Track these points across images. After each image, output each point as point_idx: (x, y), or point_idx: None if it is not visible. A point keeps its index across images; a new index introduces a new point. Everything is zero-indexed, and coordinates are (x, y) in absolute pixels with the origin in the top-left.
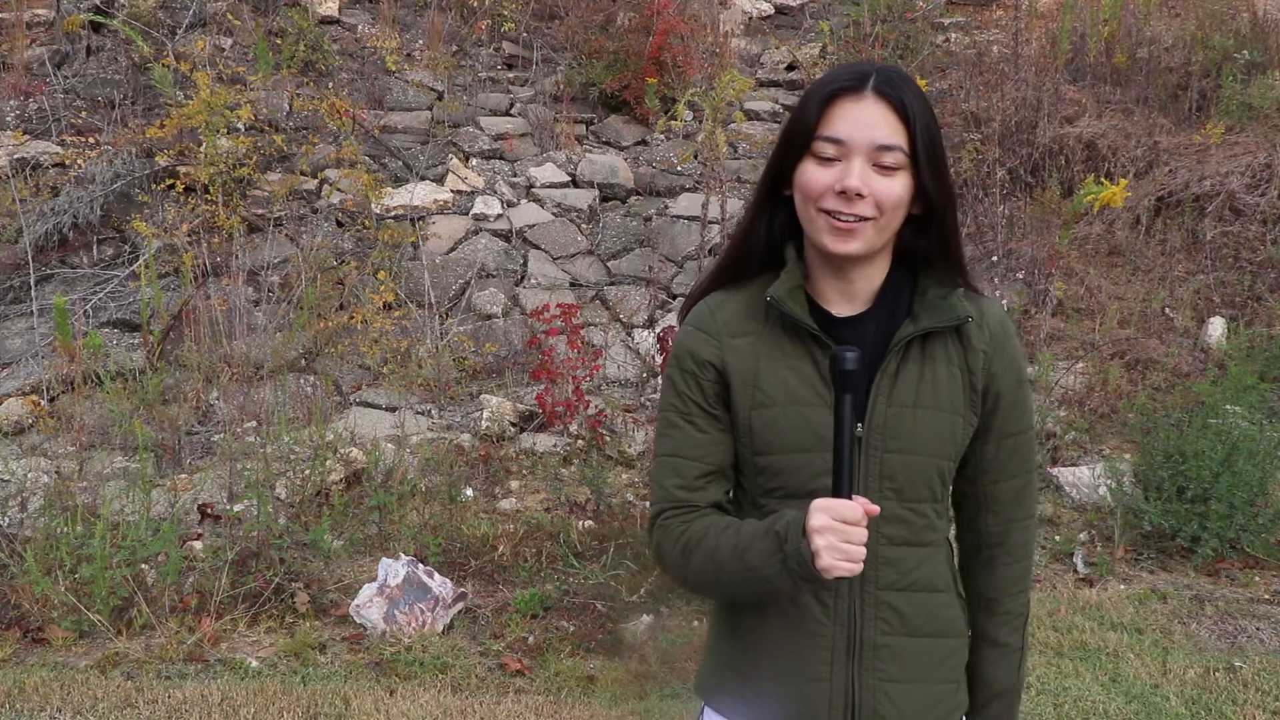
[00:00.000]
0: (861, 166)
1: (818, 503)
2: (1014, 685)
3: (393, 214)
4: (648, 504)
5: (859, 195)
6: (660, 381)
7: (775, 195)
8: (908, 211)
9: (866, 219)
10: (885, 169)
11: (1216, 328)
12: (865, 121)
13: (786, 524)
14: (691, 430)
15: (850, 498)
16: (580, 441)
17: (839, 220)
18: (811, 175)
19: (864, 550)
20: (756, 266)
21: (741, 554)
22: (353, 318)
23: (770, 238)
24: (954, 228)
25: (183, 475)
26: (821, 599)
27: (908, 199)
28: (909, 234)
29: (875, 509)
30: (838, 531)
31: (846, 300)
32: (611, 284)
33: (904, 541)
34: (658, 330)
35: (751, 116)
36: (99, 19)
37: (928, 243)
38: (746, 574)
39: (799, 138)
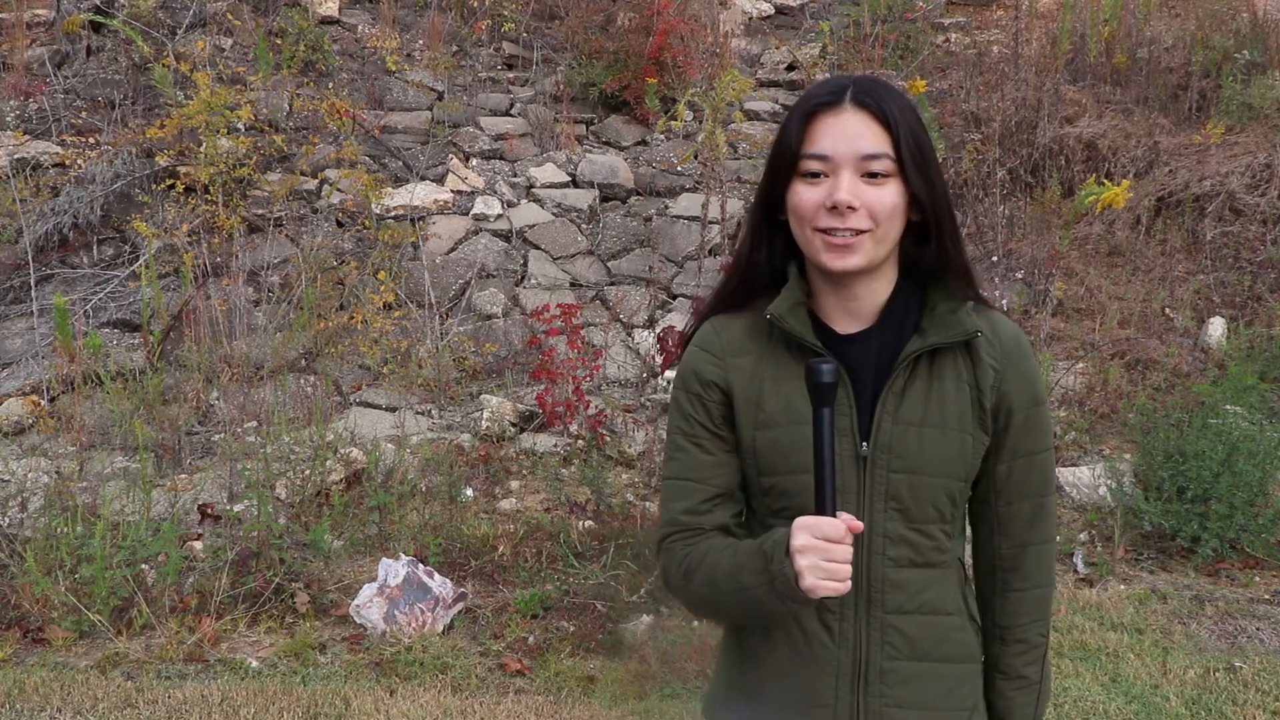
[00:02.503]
0: (850, 179)
1: (799, 521)
2: None
3: (393, 214)
4: (649, 507)
5: (851, 208)
6: (660, 382)
7: (771, 221)
8: (906, 219)
9: (862, 231)
10: (874, 178)
11: (1216, 328)
12: (847, 133)
13: (774, 543)
14: (698, 453)
15: (834, 515)
16: (580, 441)
17: (834, 237)
18: (802, 196)
19: (848, 569)
20: (761, 290)
21: (736, 574)
22: (353, 318)
23: (772, 263)
24: (953, 234)
25: (183, 475)
26: (827, 622)
27: (902, 206)
28: (911, 245)
29: (859, 525)
30: (820, 550)
31: (851, 317)
32: (611, 284)
33: (910, 563)
34: (658, 330)
35: (751, 116)
36: (99, 19)
37: (930, 253)
38: (740, 594)
39: (784, 160)
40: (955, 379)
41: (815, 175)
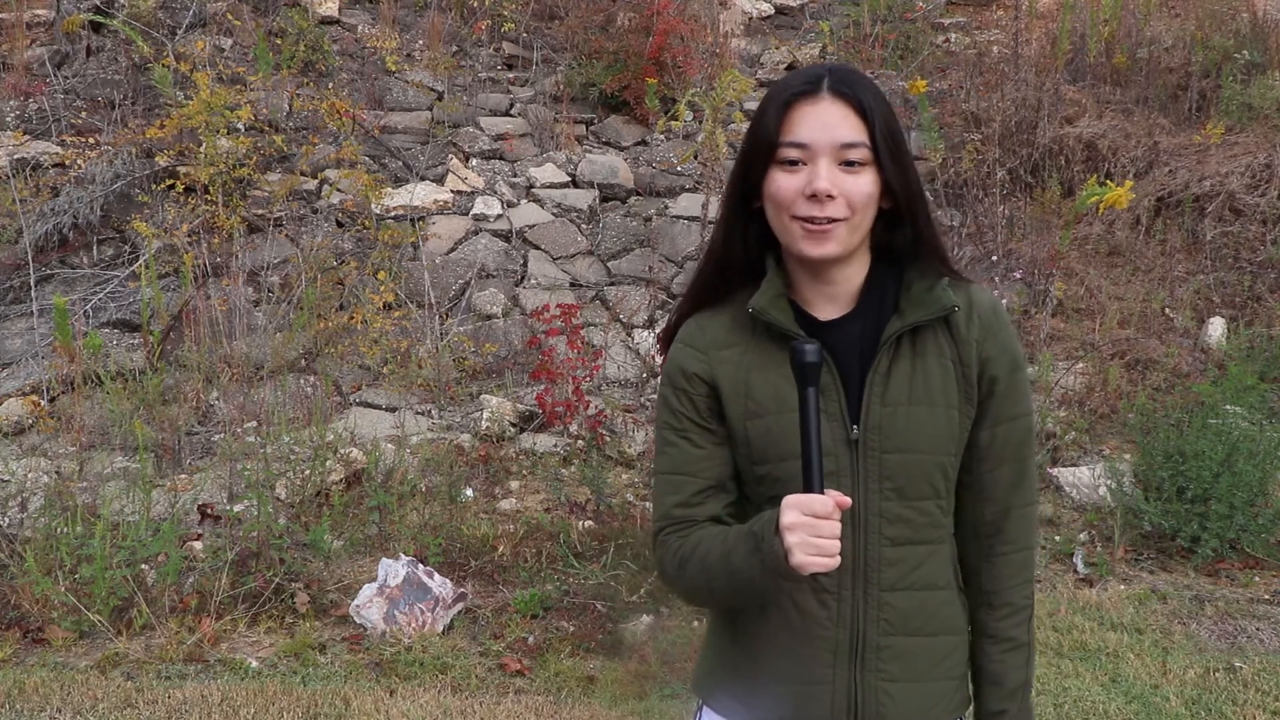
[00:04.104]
0: (828, 167)
1: (788, 499)
2: (1026, 681)
3: (393, 214)
4: (649, 507)
5: (829, 196)
6: (659, 382)
7: (746, 210)
8: (878, 207)
9: (839, 220)
10: (851, 167)
11: (1216, 328)
12: (826, 122)
13: (763, 524)
14: (688, 446)
15: (821, 492)
16: (580, 441)
17: (813, 225)
18: (780, 184)
19: (837, 544)
20: (738, 282)
21: (727, 558)
22: (353, 318)
23: (747, 253)
24: (926, 218)
25: (183, 475)
26: (824, 601)
27: (876, 194)
28: (882, 230)
29: (847, 502)
30: (809, 527)
31: (830, 303)
32: (611, 284)
33: (907, 541)
34: (658, 330)
35: (751, 117)
36: (99, 19)
37: (902, 236)
38: (733, 577)
39: (762, 148)
40: (938, 355)
41: (793, 163)
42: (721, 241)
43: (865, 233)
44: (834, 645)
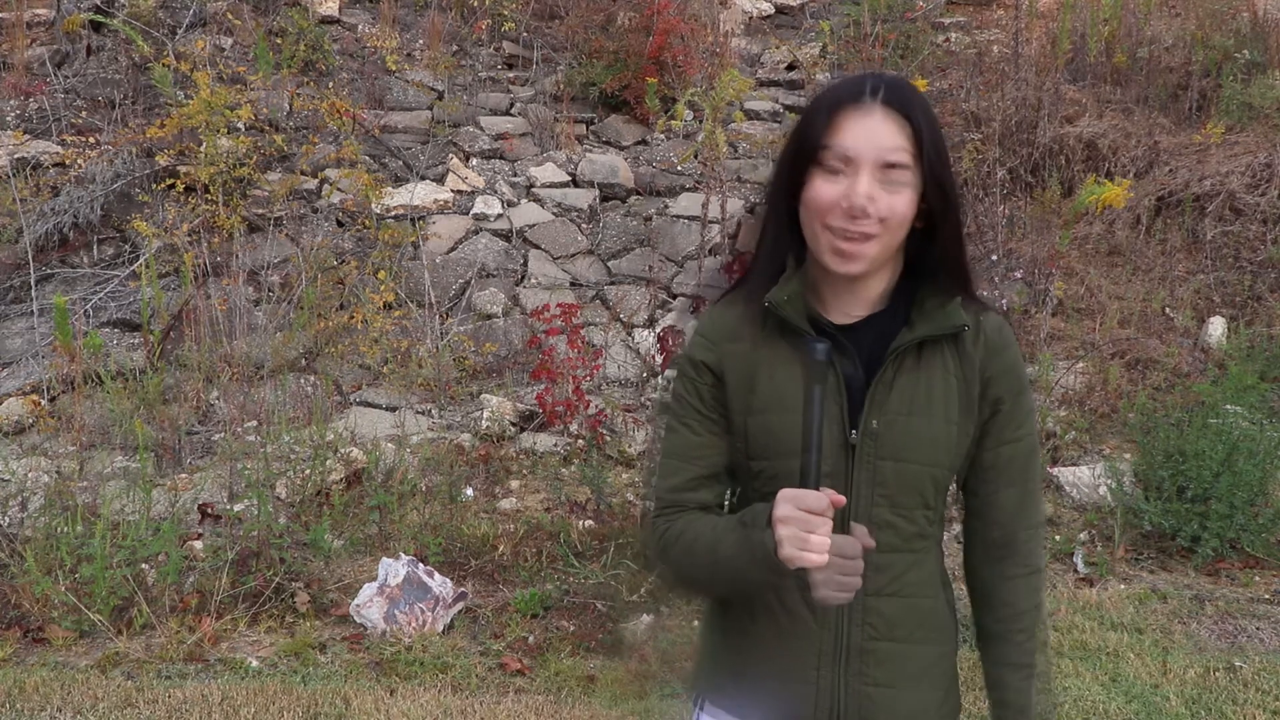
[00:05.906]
0: (868, 180)
1: (784, 493)
2: (1045, 713)
3: (393, 214)
4: (648, 505)
5: (866, 213)
6: (659, 381)
7: (790, 207)
8: (911, 224)
9: (871, 235)
10: (892, 183)
11: (1216, 328)
12: (873, 134)
13: (755, 515)
14: (688, 433)
15: (818, 489)
16: (580, 441)
17: (843, 240)
18: (819, 189)
19: (827, 541)
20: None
21: (714, 547)
22: (353, 318)
23: (790, 250)
24: (957, 238)
25: (183, 475)
26: (810, 603)
27: (912, 215)
28: (912, 244)
29: (841, 500)
30: (801, 522)
31: (847, 308)
32: (611, 284)
33: (894, 548)
34: (658, 330)
35: (751, 116)
36: (99, 19)
37: (931, 253)
38: (719, 566)
39: (806, 150)
40: (943, 371)
41: (835, 169)
42: (771, 241)
43: (894, 249)
44: (818, 647)
